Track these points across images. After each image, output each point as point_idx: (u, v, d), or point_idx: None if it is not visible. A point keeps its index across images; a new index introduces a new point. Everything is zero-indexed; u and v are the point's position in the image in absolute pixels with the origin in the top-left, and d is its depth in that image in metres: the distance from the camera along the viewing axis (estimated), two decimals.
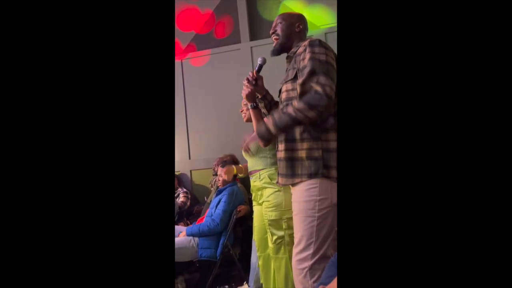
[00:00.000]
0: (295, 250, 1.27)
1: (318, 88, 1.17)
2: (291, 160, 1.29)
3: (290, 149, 1.30)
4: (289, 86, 1.32)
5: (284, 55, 1.46)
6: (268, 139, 1.28)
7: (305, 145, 1.26)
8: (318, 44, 1.25)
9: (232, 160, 2.76)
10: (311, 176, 1.23)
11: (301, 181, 1.26)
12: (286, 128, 1.24)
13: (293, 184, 1.29)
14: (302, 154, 1.26)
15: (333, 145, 1.25)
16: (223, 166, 2.52)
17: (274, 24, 1.45)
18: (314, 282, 1.18)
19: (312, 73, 1.20)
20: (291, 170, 1.28)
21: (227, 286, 2.44)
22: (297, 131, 1.28)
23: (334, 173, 1.23)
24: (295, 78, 1.29)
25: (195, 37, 3.35)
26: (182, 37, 3.32)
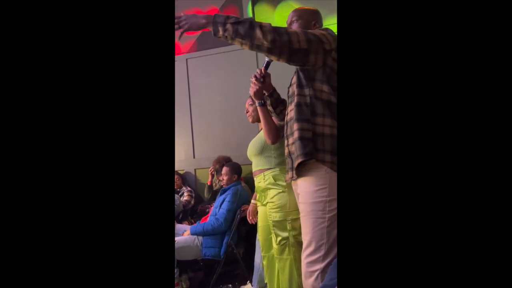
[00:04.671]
0: (304, 252, 1.23)
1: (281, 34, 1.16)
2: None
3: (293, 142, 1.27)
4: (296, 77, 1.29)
5: None
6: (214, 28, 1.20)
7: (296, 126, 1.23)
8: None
9: (224, 160, 2.81)
10: (306, 156, 1.18)
11: (304, 162, 1.21)
12: (224, 28, 1.17)
13: (298, 174, 1.24)
14: (296, 134, 1.23)
15: (327, 130, 1.20)
16: (223, 166, 2.55)
17: (288, 21, 1.42)
18: None
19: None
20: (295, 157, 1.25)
21: (230, 285, 2.43)
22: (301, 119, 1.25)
23: (327, 157, 1.19)
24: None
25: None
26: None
